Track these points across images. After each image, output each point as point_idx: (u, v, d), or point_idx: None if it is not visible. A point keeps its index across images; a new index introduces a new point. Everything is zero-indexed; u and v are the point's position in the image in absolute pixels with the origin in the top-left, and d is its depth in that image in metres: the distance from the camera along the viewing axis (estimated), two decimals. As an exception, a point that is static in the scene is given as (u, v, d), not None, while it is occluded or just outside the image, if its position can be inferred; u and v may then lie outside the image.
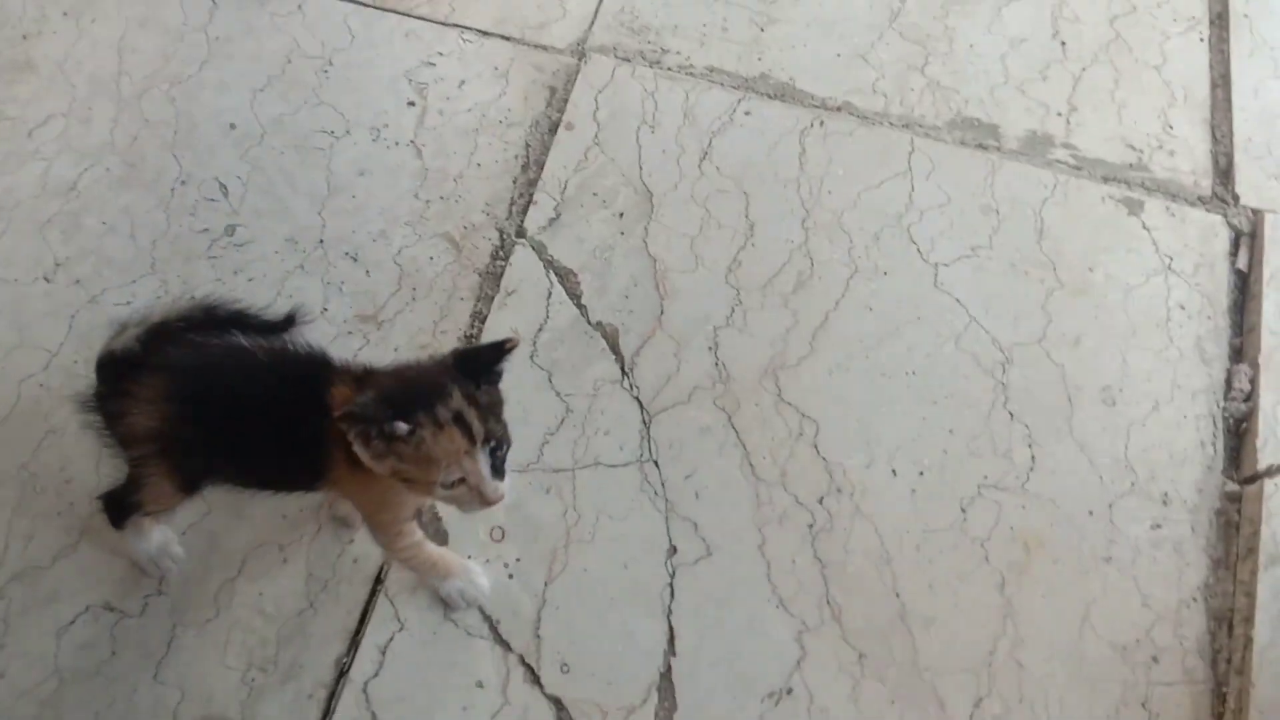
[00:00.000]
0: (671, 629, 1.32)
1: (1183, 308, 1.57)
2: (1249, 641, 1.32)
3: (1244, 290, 1.60)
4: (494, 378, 1.05)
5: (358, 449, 0.99)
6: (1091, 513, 1.41)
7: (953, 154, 1.69)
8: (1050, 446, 1.45)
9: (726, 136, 1.71)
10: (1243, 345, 1.55)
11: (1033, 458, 1.44)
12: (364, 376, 1.05)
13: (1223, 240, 1.63)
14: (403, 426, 0.97)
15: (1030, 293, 1.57)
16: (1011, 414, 1.47)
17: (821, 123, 1.72)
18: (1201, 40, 1.85)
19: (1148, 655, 1.33)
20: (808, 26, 1.84)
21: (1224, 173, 1.71)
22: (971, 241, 1.61)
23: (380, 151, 1.69)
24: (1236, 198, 1.67)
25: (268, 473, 1.12)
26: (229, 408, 1.05)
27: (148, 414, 1.05)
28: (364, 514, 1.19)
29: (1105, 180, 1.68)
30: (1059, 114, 1.75)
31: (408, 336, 1.51)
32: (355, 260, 1.58)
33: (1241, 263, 1.62)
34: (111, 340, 1.09)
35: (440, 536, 1.36)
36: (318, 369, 1.07)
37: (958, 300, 1.55)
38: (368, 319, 1.53)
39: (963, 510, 1.41)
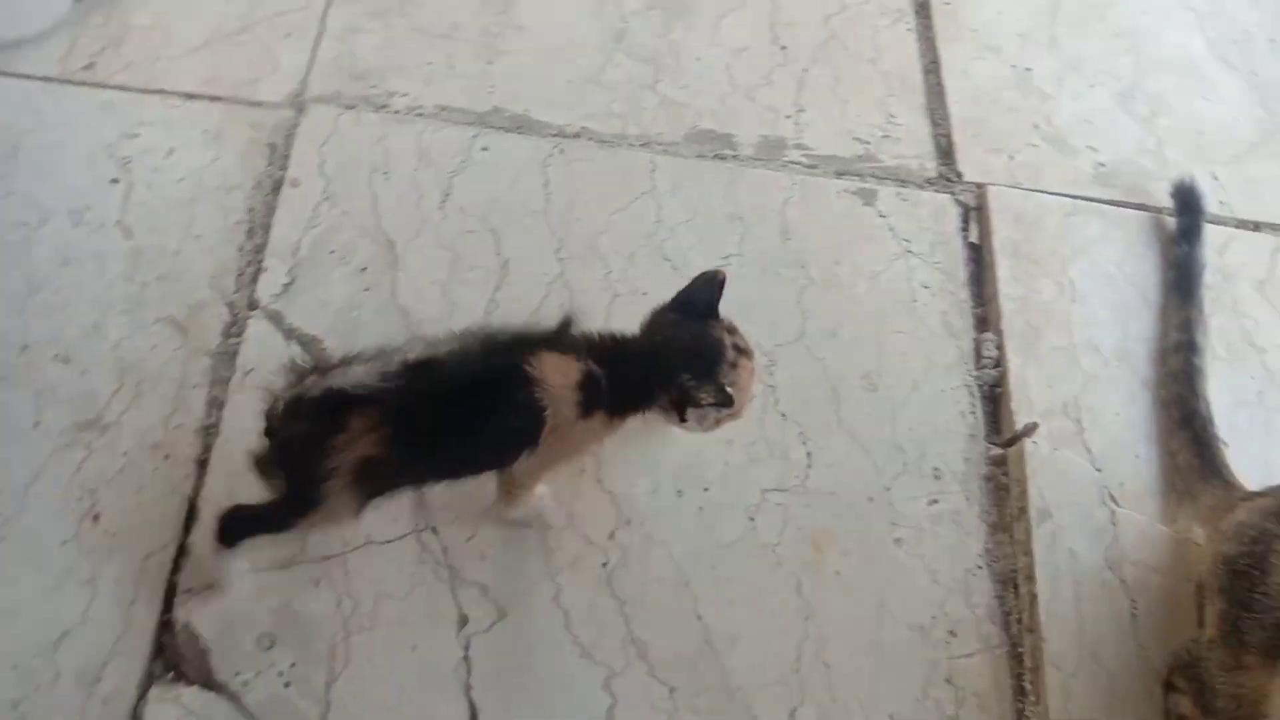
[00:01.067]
0: (473, 705, 1.23)
1: (926, 287, 1.63)
2: (1034, 599, 1.38)
3: (979, 262, 1.68)
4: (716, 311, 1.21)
5: (692, 420, 1.17)
6: (871, 499, 1.43)
7: (693, 167, 1.70)
8: (823, 441, 1.46)
9: (466, 175, 1.65)
10: (985, 314, 1.63)
11: (809, 454, 1.45)
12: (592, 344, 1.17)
13: (953, 217, 1.71)
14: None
15: (784, 293, 1.59)
16: (783, 415, 1.48)
17: (562, 150, 1.69)
18: (909, 30, 1.95)
19: (945, 631, 1.36)
20: (536, 56, 1.81)
21: (946, 153, 1.79)
22: (722, 251, 1.61)
23: (83, 237, 1.53)
24: (960, 175, 1.76)
25: (474, 461, 1.18)
26: (440, 414, 1.08)
27: (364, 444, 1.05)
28: (540, 468, 1.21)
29: (839, 175, 1.73)
30: (787, 116, 1.79)
31: (137, 437, 1.36)
32: (67, 362, 1.42)
33: (973, 236, 1.70)
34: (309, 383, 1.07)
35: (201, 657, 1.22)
36: (521, 344, 1.12)
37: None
38: (88, 425, 1.37)
39: (751, 519, 1.40)
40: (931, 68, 1.90)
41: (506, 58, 1.80)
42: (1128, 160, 1.82)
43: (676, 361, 1.16)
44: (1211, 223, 1.74)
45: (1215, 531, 1.30)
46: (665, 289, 1.48)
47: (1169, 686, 1.29)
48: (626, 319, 1.44)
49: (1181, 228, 1.69)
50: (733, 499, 1.41)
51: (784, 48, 1.88)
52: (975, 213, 1.73)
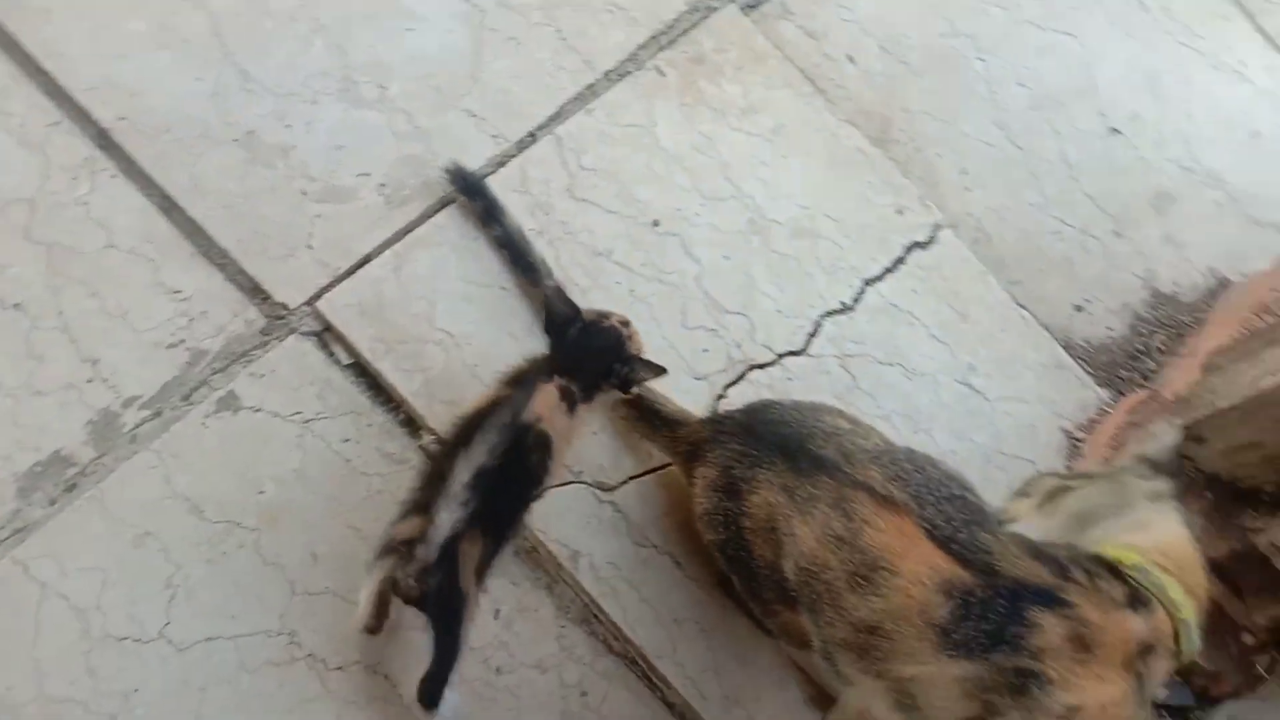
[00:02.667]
0: None
1: (348, 440, 1.63)
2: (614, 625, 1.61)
3: (368, 375, 1.68)
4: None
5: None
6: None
7: None
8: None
9: None
10: (408, 417, 1.67)
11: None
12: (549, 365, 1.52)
13: (314, 354, 1.66)
14: None
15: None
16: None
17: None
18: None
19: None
20: None
21: (255, 290, 1.68)
22: None
23: None
24: (285, 305, 1.68)
25: (533, 496, 1.48)
26: (504, 495, 1.39)
27: (472, 555, 1.34)
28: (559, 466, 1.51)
29: (187, 401, 1.60)
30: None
31: None
32: None
33: (344, 358, 1.68)
34: None
35: None
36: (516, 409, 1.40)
37: None
38: None
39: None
40: (167, 205, 1.70)
41: None
42: (399, 163, 1.80)
43: (610, 354, 1.52)
44: (501, 164, 1.82)
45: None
46: None
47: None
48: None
49: (480, 212, 1.75)
50: None
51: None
52: (328, 334, 1.68)
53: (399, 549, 1.31)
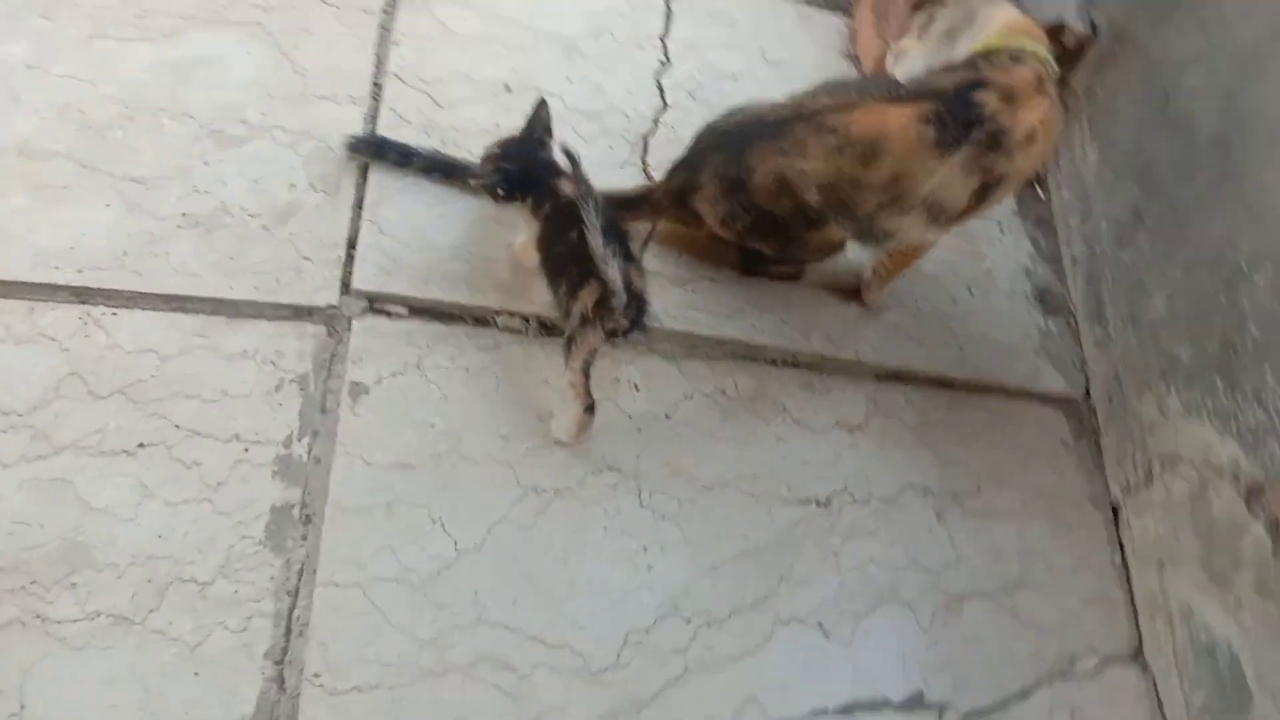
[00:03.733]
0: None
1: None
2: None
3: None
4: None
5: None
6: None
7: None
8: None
9: None
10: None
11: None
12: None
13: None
14: None
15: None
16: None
17: None
18: None
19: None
20: None
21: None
22: None
23: None
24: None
25: None
26: None
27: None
28: None
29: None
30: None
31: None
32: None
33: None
34: None
35: None
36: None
37: None
38: None
39: None
40: (175, 302, 1.87)
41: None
42: (307, 163, 2.05)
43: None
44: (374, 117, 2.12)
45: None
46: None
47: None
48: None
49: (394, 159, 2.07)
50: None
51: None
52: (376, 303, 1.96)
53: (590, 318, 1.71)
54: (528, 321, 2.01)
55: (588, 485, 1.89)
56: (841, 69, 2.58)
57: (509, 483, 1.85)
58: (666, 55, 2.42)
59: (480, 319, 2.00)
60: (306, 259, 1.96)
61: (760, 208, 1.93)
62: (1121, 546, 2.17)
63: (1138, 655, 2.07)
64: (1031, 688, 1.96)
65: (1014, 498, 2.15)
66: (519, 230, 1.93)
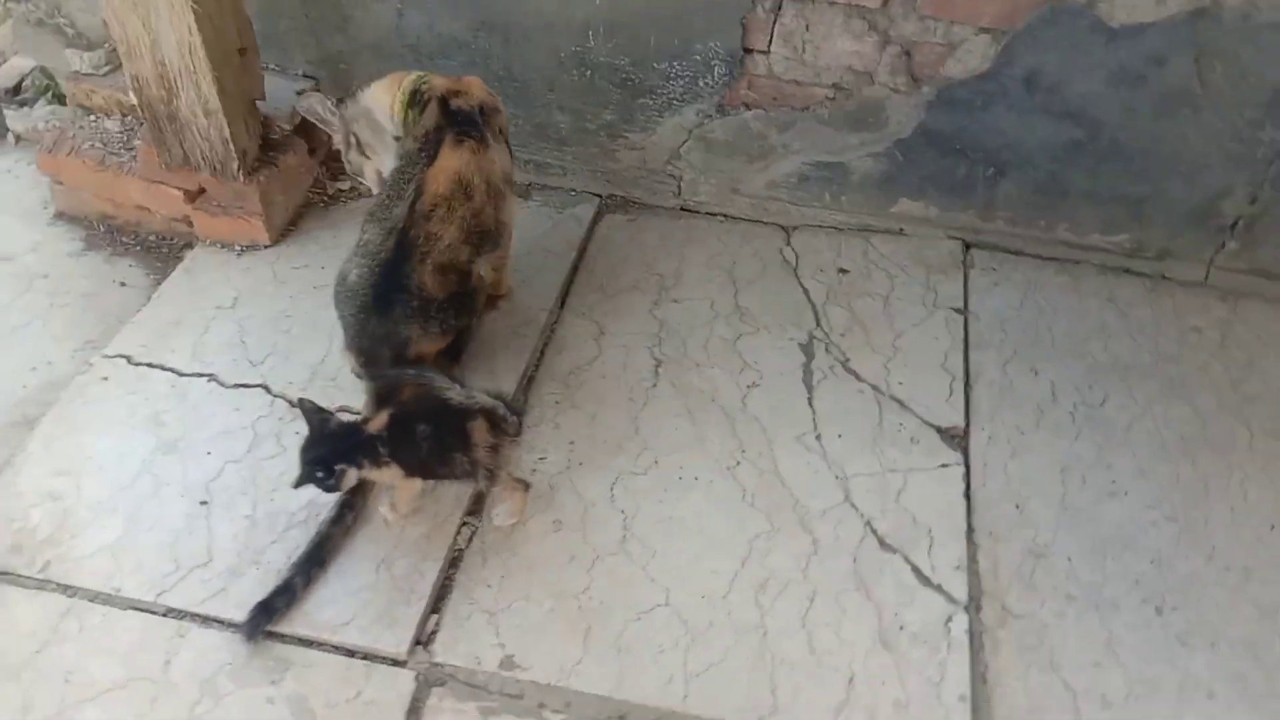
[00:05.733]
0: None
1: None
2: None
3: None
4: None
5: None
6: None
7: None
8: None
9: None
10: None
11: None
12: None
13: None
14: None
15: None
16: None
17: None
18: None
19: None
20: None
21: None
22: None
23: None
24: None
25: None
26: None
27: None
28: None
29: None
30: None
31: None
32: None
33: None
34: None
35: None
36: None
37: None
38: None
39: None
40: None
41: None
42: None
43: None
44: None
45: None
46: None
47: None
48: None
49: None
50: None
51: None
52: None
53: (495, 443, 1.83)
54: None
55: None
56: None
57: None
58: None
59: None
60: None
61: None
62: None
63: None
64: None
65: None
66: (382, 493, 1.96)
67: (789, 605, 1.88)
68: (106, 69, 2.67)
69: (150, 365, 2.25)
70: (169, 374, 2.23)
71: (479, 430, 1.80)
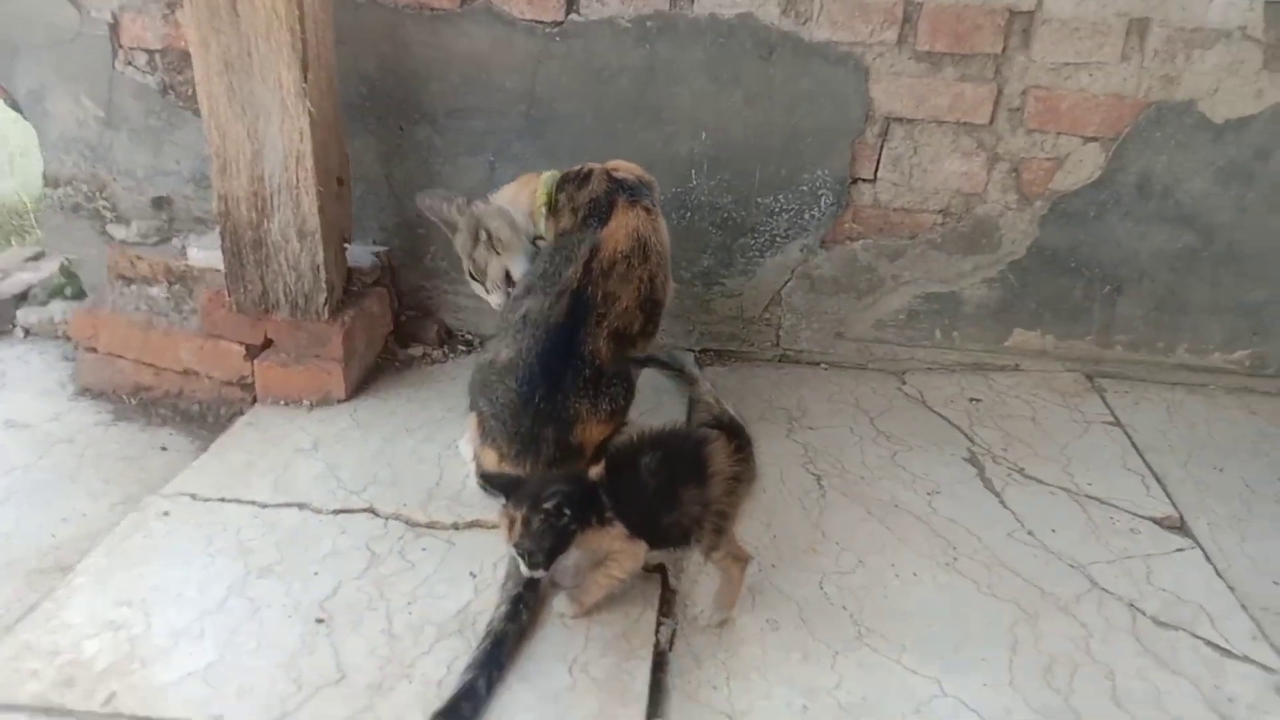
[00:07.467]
0: None
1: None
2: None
3: None
4: None
5: None
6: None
7: None
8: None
9: None
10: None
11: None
12: None
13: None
14: None
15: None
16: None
17: None
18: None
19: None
20: None
21: None
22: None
23: None
24: None
25: None
26: None
27: None
28: None
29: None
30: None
31: None
32: None
33: None
34: None
35: None
36: None
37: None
38: None
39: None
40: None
41: None
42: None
43: None
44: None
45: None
46: None
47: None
48: None
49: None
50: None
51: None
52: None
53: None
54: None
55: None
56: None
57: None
58: None
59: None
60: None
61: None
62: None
63: None
64: None
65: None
66: (610, 559, 1.54)
67: (1088, 686, 1.55)
68: (155, 239, 2.52)
69: (224, 500, 1.87)
70: (250, 506, 1.86)
71: (719, 454, 1.48)
